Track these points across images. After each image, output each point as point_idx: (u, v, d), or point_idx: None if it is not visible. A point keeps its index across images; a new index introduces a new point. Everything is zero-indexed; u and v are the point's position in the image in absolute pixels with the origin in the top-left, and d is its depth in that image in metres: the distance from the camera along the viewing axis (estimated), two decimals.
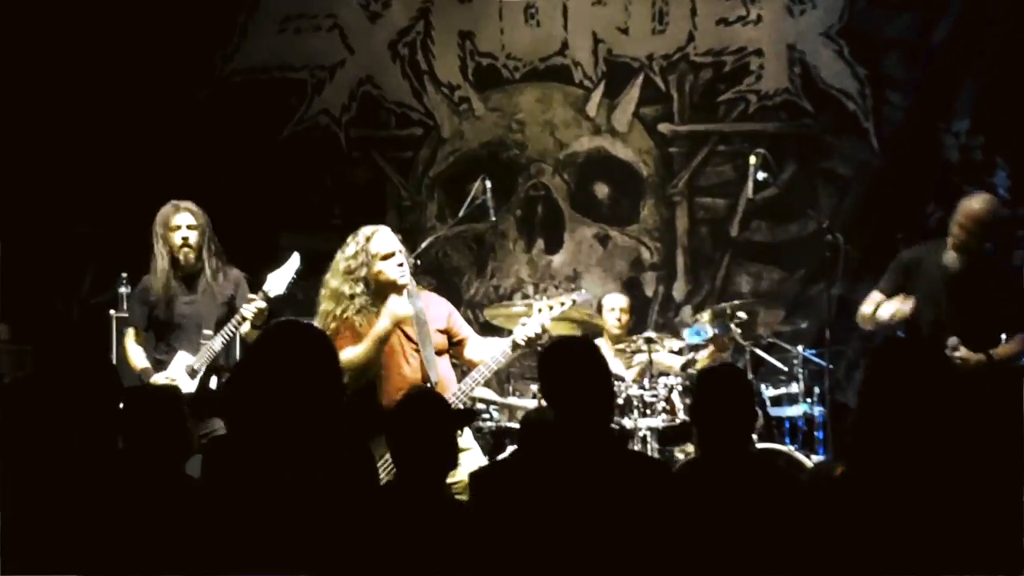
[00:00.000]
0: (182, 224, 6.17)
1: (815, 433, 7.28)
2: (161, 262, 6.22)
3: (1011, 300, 6.00)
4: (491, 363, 5.50)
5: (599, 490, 3.62)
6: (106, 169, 8.51)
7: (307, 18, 9.04)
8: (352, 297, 5.51)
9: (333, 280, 5.58)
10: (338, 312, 5.51)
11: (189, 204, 6.25)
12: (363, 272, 5.52)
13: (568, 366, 3.82)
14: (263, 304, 5.92)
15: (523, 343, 5.47)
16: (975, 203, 6.02)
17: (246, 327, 6.03)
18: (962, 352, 5.91)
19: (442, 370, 5.61)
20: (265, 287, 5.99)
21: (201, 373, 6.06)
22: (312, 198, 8.95)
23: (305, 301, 6.00)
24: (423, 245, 6.98)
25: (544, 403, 5.62)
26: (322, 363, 3.60)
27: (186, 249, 6.16)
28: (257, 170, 8.87)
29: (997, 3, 8.44)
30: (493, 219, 7.18)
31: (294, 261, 6.03)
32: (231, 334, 6.04)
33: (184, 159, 8.57)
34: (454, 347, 5.74)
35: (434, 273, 6.03)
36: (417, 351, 5.57)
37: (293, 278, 6.01)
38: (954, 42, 8.51)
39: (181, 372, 6.08)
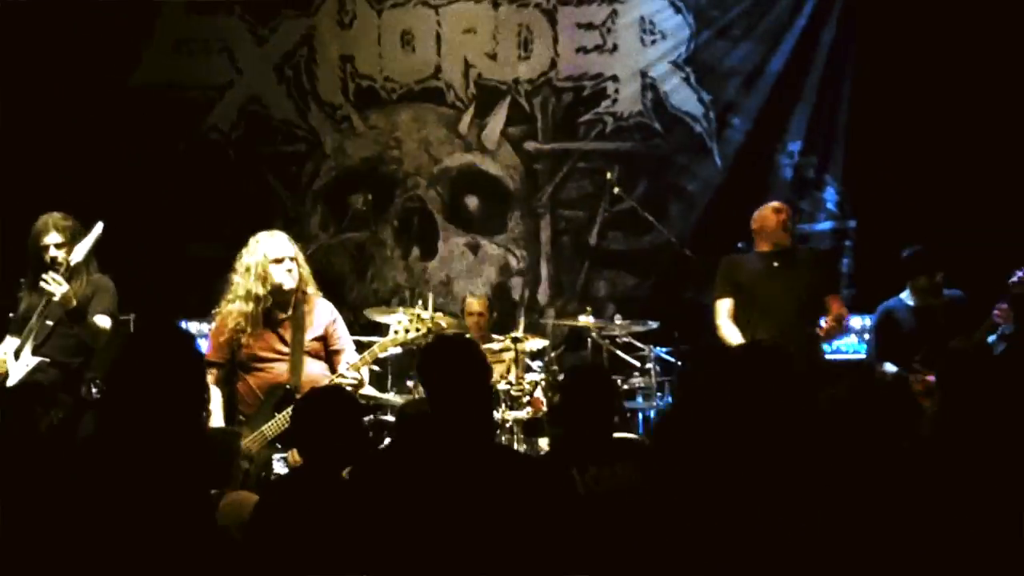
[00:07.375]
0: (50, 244, 6.06)
1: None
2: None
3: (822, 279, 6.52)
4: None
5: (475, 481, 3.61)
6: (8, 180, 8.37)
7: (198, 41, 9.18)
8: (258, 300, 5.65)
9: (244, 281, 5.69)
10: (248, 310, 5.65)
11: (59, 219, 6.11)
12: (261, 272, 5.65)
13: (449, 362, 3.83)
14: (59, 278, 5.81)
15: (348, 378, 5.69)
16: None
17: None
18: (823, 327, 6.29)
19: (312, 372, 5.71)
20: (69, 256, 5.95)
21: (25, 353, 5.94)
22: (205, 210, 9.00)
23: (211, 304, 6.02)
24: (307, 253, 7.30)
25: (420, 396, 5.85)
26: (189, 367, 3.58)
27: (55, 265, 5.98)
28: (156, 186, 8.97)
29: (827, 36, 8.86)
30: (372, 229, 7.44)
31: (97, 229, 5.97)
32: (43, 312, 5.90)
33: (80, 175, 8.53)
34: (330, 355, 5.84)
35: (317, 278, 6.26)
36: (287, 355, 5.71)
37: (92, 245, 5.96)
38: (788, 71, 8.90)
39: (10, 357, 5.97)
